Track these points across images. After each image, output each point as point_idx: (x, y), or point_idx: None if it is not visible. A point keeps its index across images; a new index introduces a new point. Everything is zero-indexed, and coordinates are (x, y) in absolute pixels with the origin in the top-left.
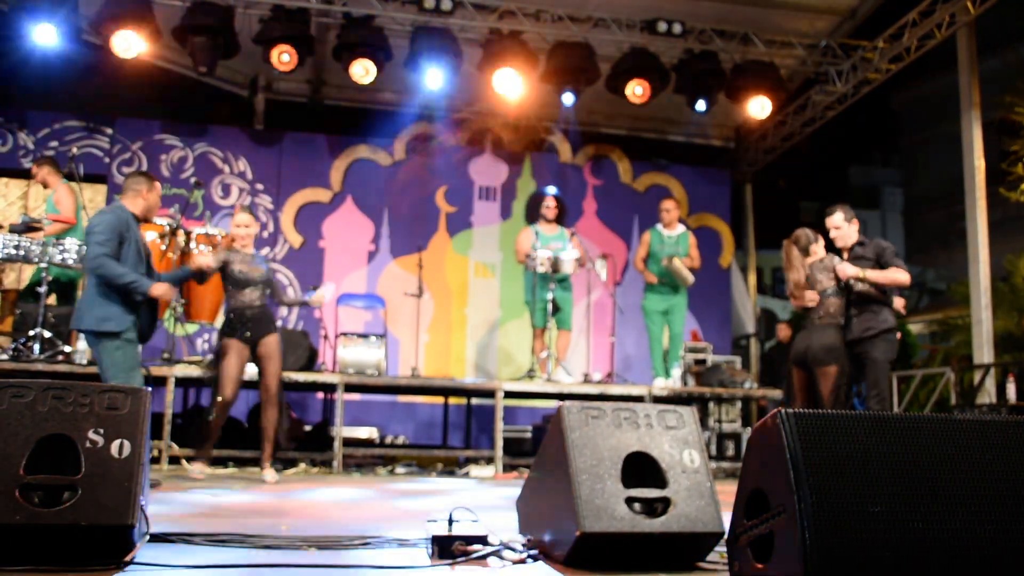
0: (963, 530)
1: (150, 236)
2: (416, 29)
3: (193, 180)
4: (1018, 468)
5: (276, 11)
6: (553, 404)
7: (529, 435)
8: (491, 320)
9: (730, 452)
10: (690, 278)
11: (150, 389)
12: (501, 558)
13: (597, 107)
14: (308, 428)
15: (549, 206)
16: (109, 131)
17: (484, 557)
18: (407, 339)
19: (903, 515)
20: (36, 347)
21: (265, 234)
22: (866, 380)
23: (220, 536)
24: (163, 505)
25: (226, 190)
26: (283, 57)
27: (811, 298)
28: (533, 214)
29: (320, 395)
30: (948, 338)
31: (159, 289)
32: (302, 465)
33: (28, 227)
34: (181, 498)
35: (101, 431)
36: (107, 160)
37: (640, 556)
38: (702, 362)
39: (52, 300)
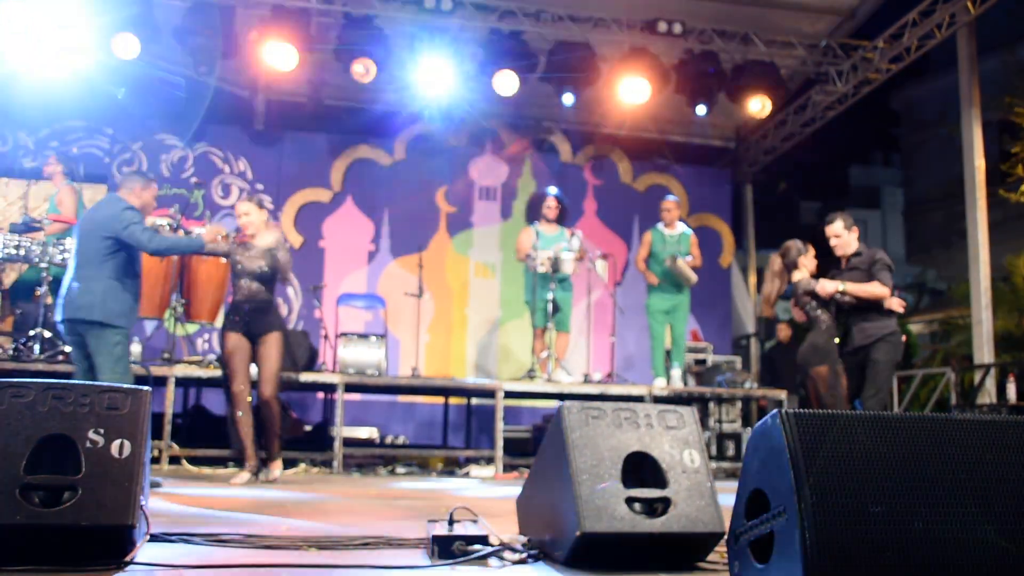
0: (964, 530)
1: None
2: (416, 29)
3: (193, 180)
4: (1019, 468)
5: (276, 11)
6: (553, 404)
7: (529, 435)
8: (491, 320)
9: (730, 452)
10: (694, 277)
11: (150, 389)
12: (501, 558)
13: (597, 107)
14: (308, 428)
15: (550, 206)
16: (109, 131)
17: (484, 557)
18: (407, 339)
19: (903, 515)
20: (36, 347)
21: None
22: (866, 381)
23: (220, 536)
24: (163, 505)
25: (226, 190)
26: (284, 57)
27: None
28: (534, 214)
29: (320, 395)
30: (948, 338)
31: (210, 235)
32: (302, 465)
33: (28, 227)
34: (181, 498)
35: (101, 431)
36: (107, 160)
37: (640, 556)
38: (702, 362)
39: (52, 300)
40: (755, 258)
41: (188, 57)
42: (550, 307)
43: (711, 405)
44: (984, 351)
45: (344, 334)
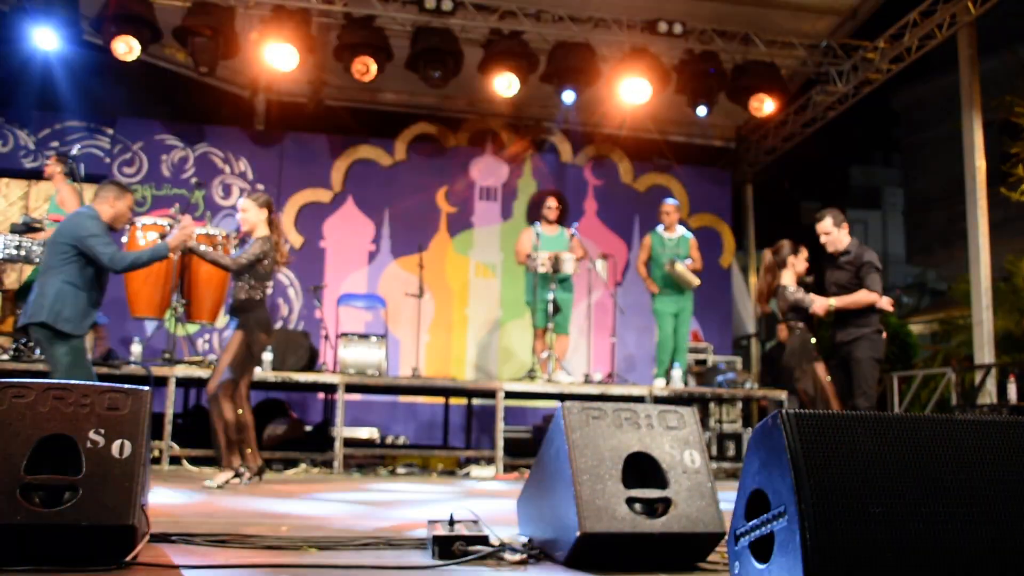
0: (964, 531)
1: (151, 236)
2: (417, 29)
3: (194, 180)
4: (1019, 469)
5: (277, 11)
6: (554, 404)
7: (530, 435)
8: (492, 320)
9: (731, 452)
10: (695, 281)
11: (151, 389)
12: (502, 559)
13: (597, 107)
14: (309, 428)
15: (551, 206)
16: (110, 131)
17: (485, 558)
18: (408, 339)
19: (904, 516)
20: (37, 348)
21: None
22: (851, 375)
23: (221, 536)
24: (164, 505)
25: (227, 190)
26: (285, 58)
27: (768, 311)
28: (534, 214)
29: (321, 395)
30: (949, 338)
31: (176, 240)
32: (303, 465)
33: (29, 227)
34: (181, 498)
35: (102, 431)
36: (108, 160)
37: (641, 556)
38: (703, 362)
39: None
40: (755, 258)
41: (189, 57)
42: (551, 307)
43: (711, 405)
44: (985, 351)
45: (344, 334)
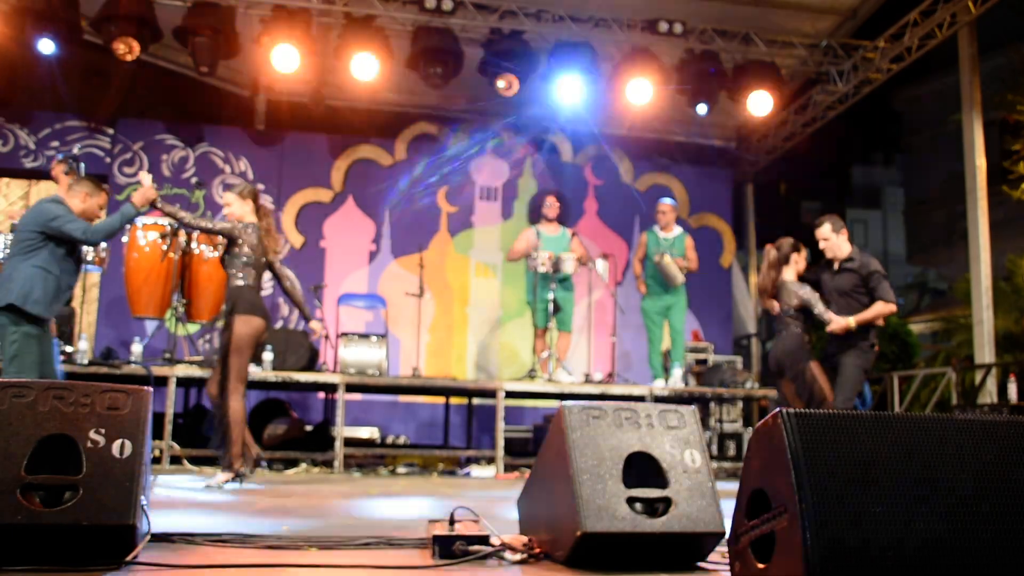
0: (964, 531)
1: (152, 236)
2: (417, 29)
3: (194, 180)
4: (1020, 468)
5: (277, 11)
6: (554, 404)
7: (530, 435)
8: (492, 320)
9: (731, 452)
10: (679, 278)
11: (151, 389)
12: (502, 558)
13: (598, 107)
14: (309, 428)
15: (551, 205)
16: (110, 131)
17: (485, 557)
18: (408, 339)
19: (904, 515)
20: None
21: None
22: (838, 377)
23: (221, 536)
24: (164, 505)
25: (227, 190)
26: (287, 60)
27: (772, 306)
28: (535, 215)
29: (321, 395)
30: (949, 338)
31: (140, 198)
32: (303, 465)
33: None
34: (182, 498)
35: (102, 431)
36: (108, 160)
37: (641, 556)
38: (703, 362)
39: None
40: (756, 258)
41: (189, 57)
42: (551, 307)
43: (712, 405)
44: (985, 351)
45: (345, 334)
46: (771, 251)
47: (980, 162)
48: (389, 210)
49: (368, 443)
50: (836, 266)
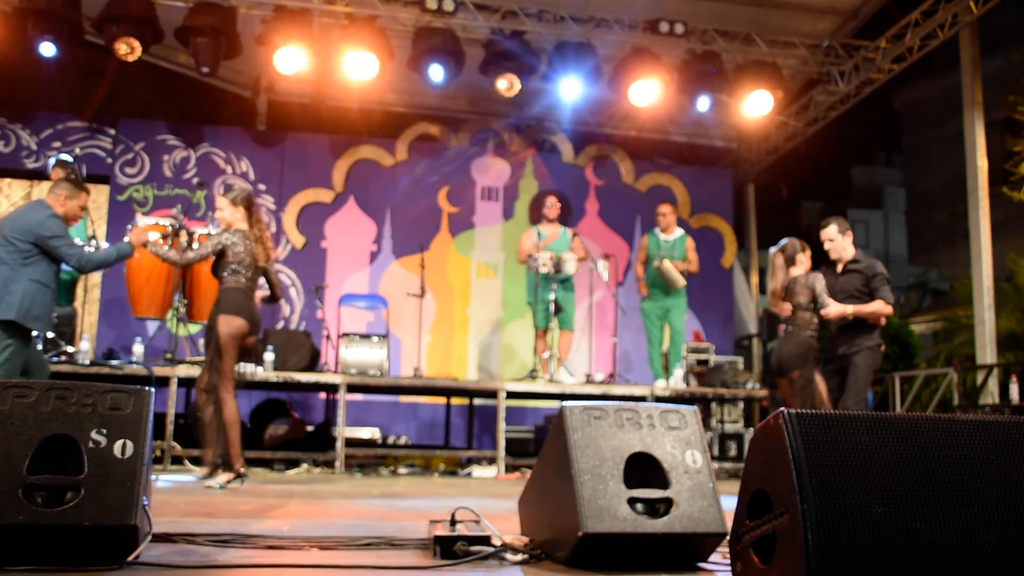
0: (966, 531)
1: (153, 236)
2: (418, 29)
3: (196, 181)
4: (1021, 469)
5: (278, 12)
6: (555, 404)
7: (531, 435)
8: (493, 320)
9: (732, 453)
10: (680, 281)
11: (153, 389)
12: (503, 559)
13: (599, 107)
14: (310, 428)
15: (551, 206)
16: (112, 132)
17: (486, 558)
18: (409, 339)
19: (905, 516)
20: (39, 347)
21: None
22: (846, 379)
23: (222, 536)
24: (166, 505)
25: (228, 191)
26: (286, 61)
27: (785, 309)
28: (536, 215)
29: (322, 395)
30: (951, 338)
31: (135, 238)
32: (304, 465)
33: None
34: (183, 498)
35: (104, 431)
36: (109, 161)
37: (642, 557)
38: (704, 362)
39: None
40: (757, 258)
41: (190, 57)
42: (552, 307)
43: (713, 405)
44: (987, 351)
45: (346, 334)
46: (778, 257)
47: (981, 163)
48: (390, 210)
49: (369, 443)
50: (840, 268)
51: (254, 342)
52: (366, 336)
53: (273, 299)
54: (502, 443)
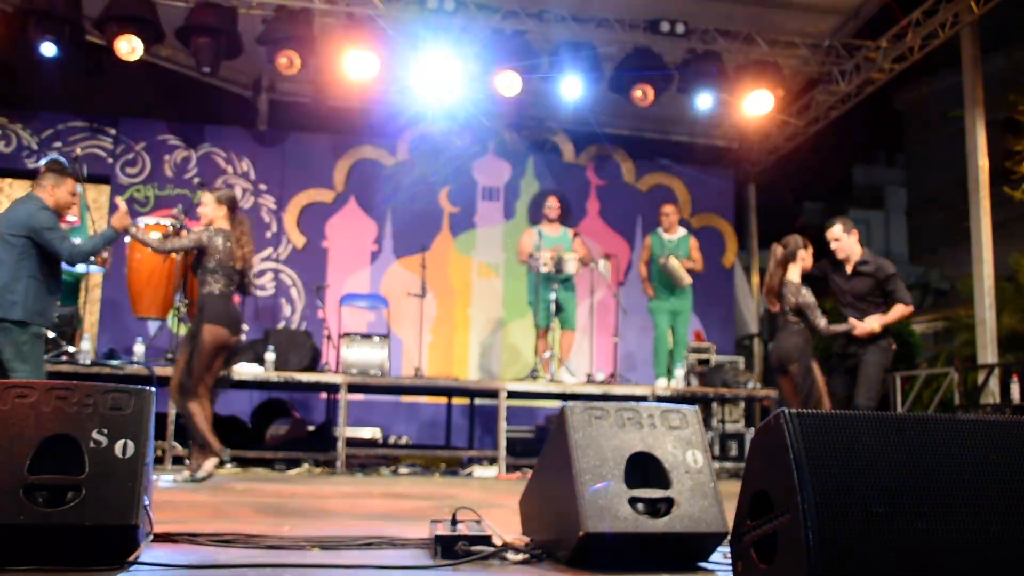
0: (966, 531)
1: (154, 236)
2: (419, 29)
3: (196, 181)
4: (1021, 469)
5: (279, 12)
6: (556, 404)
7: (532, 435)
8: (494, 320)
9: (733, 452)
10: (686, 279)
11: (154, 389)
12: (504, 559)
13: (600, 107)
14: (311, 428)
15: (552, 206)
16: (112, 131)
17: (487, 557)
18: (410, 339)
19: (906, 516)
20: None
21: (268, 234)
22: (857, 376)
23: (223, 536)
24: (167, 505)
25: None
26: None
27: (775, 305)
28: (537, 215)
29: (323, 395)
30: (952, 338)
31: (117, 222)
32: (305, 465)
33: None
34: (184, 498)
35: (105, 431)
36: (110, 161)
37: (643, 556)
38: (705, 362)
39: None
40: (758, 258)
41: (191, 57)
42: (553, 307)
43: (714, 405)
44: (988, 351)
45: (347, 334)
46: (778, 249)
47: (983, 162)
48: (391, 210)
49: (370, 443)
50: (849, 269)
51: (236, 341)
52: (367, 336)
53: (243, 293)
54: (503, 443)
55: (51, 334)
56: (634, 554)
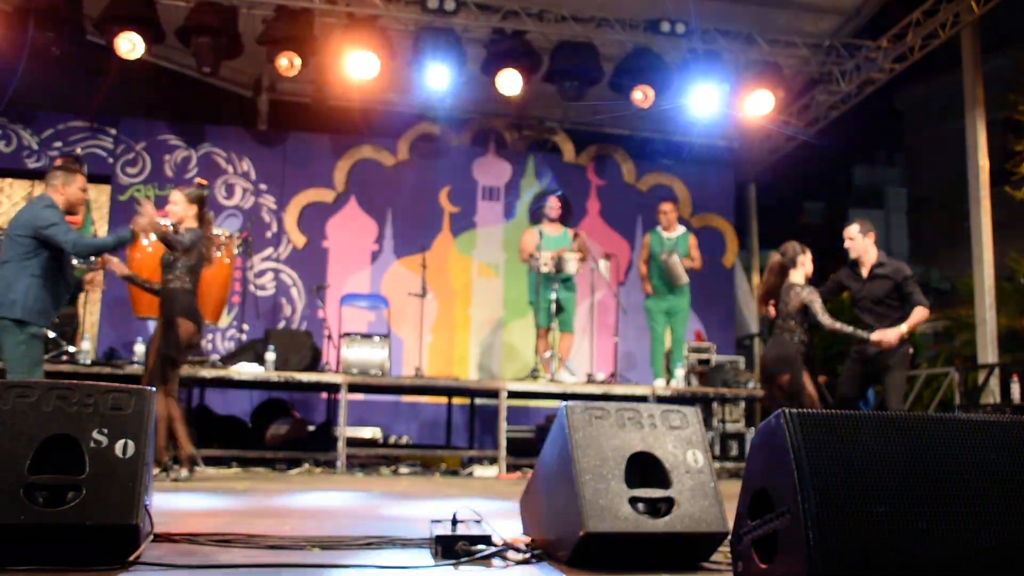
0: (967, 531)
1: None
2: (420, 29)
3: (197, 181)
4: (1022, 468)
5: (280, 11)
6: (557, 404)
7: (533, 435)
8: (495, 320)
9: (734, 452)
10: (684, 277)
11: (154, 389)
12: (504, 558)
13: (600, 107)
14: (312, 428)
15: (553, 206)
16: (113, 131)
17: (488, 557)
18: (411, 339)
19: (907, 515)
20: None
21: (269, 234)
22: (884, 383)
23: (224, 536)
24: (167, 505)
25: (230, 191)
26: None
27: (769, 312)
28: (537, 215)
29: (324, 395)
30: (952, 338)
31: (142, 224)
32: (306, 465)
33: None
34: (185, 498)
35: (105, 431)
36: (111, 161)
37: (644, 556)
38: (706, 362)
39: None
40: (759, 258)
41: (191, 57)
42: (553, 307)
43: (714, 405)
44: (988, 351)
45: (347, 334)
46: (774, 256)
47: (983, 162)
48: (391, 210)
49: (371, 443)
50: (865, 272)
51: (199, 339)
52: (367, 336)
53: None
54: (503, 443)
55: (51, 334)
56: (634, 554)
